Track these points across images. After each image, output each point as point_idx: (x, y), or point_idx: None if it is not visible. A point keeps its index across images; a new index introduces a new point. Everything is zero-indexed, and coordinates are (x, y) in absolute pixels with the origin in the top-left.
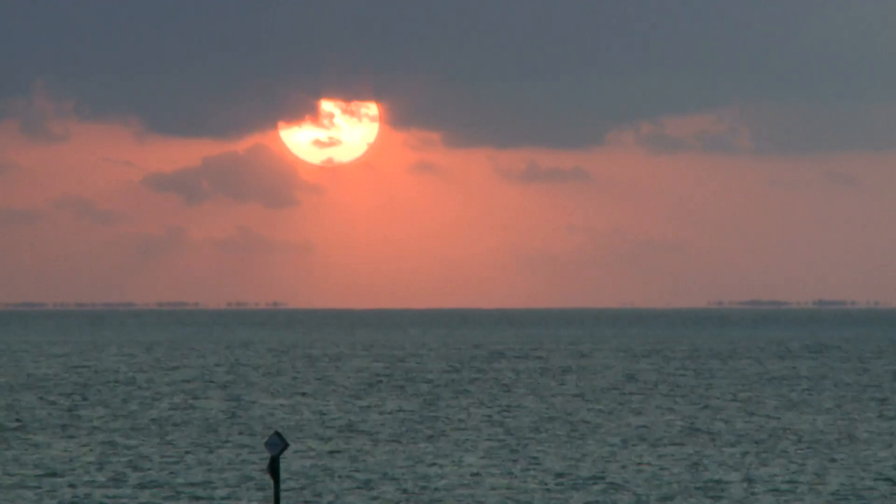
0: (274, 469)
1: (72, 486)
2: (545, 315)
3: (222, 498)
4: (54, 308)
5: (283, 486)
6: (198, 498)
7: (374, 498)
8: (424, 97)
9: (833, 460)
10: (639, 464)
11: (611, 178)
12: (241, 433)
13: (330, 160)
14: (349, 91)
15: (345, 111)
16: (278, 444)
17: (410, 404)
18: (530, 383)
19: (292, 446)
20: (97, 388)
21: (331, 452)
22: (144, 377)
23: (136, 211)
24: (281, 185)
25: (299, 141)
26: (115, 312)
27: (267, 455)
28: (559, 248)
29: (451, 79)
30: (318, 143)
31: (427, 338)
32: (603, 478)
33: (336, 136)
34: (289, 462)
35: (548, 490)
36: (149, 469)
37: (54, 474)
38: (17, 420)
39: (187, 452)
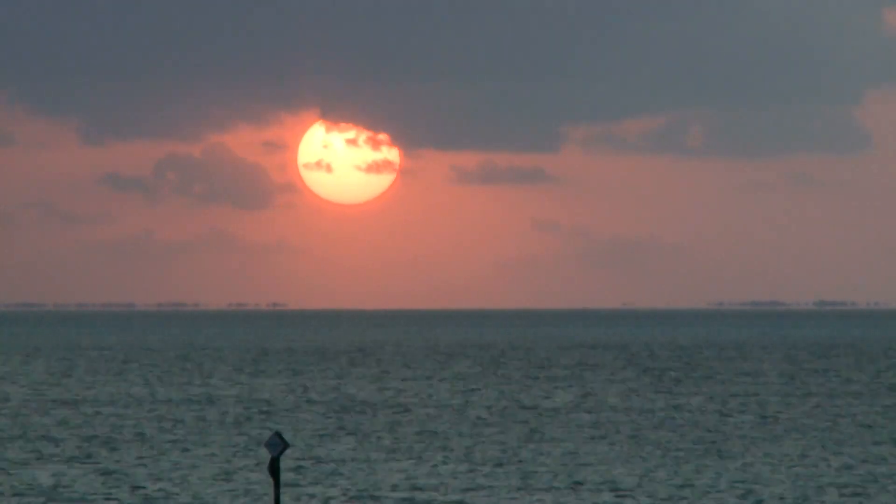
0: (274, 470)
1: (65, 486)
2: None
3: (222, 499)
4: (55, 308)
5: (283, 486)
6: (197, 499)
7: (375, 498)
8: (382, 101)
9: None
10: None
11: (572, 179)
12: (240, 433)
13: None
14: (302, 94)
15: (296, 114)
16: (279, 444)
17: (410, 404)
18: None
19: (292, 446)
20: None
21: (331, 452)
22: None
23: (105, 212)
24: (246, 187)
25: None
26: (113, 314)
27: (267, 455)
28: (536, 249)
29: (403, 81)
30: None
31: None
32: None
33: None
34: (289, 462)
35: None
36: (147, 469)
37: (48, 476)
38: None
39: (185, 452)
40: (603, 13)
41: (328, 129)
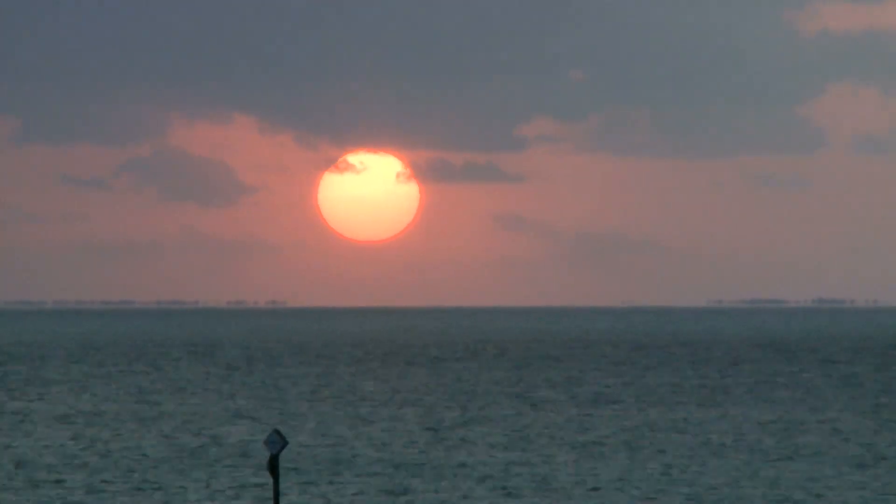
0: (273, 467)
1: (60, 482)
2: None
3: (222, 497)
4: (54, 306)
5: (282, 484)
6: (197, 497)
7: (375, 497)
8: (330, 102)
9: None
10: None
11: (533, 177)
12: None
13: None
14: (250, 96)
15: (247, 116)
16: (278, 442)
17: (409, 403)
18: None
19: (291, 444)
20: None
21: (331, 452)
22: None
23: (75, 212)
24: (212, 185)
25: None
26: (113, 312)
27: (266, 453)
28: (529, 248)
29: (356, 80)
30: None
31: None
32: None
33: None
34: (288, 460)
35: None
36: (146, 467)
37: (45, 471)
38: None
39: (185, 450)
40: (565, 11)
41: (289, 134)
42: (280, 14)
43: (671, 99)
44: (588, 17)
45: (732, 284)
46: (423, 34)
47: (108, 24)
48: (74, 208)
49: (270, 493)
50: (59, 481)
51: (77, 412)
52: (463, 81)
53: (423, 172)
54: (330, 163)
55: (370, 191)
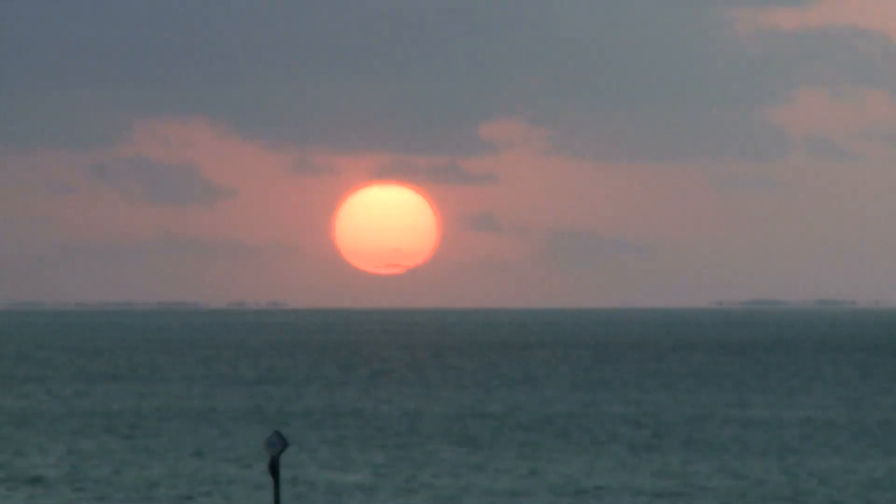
0: (274, 469)
1: (65, 481)
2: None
3: (222, 497)
4: (53, 307)
5: (282, 485)
6: (197, 498)
7: (374, 497)
8: (295, 105)
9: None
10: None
11: (507, 179)
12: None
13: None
14: (215, 100)
15: (214, 121)
16: (278, 443)
17: (407, 403)
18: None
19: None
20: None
21: (330, 451)
22: None
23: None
24: (184, 189)
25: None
26: (112, 312)
27: (267, 454)
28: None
29: (319, 81)
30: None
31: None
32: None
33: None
34: (288, 461)
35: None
36: (146, 466)
37: (47, 470)
38: None
39: (185, 450)
40: (531, 14)
41: (247, 139)
42: (246, 18)
43: (639, 102)
44: (555, 21)
45: (729, 285)
46: (391, 37)
47: (75, 28)
48: (54, 211)
49: (271, 494)
50: (62, 483)
51: (67, 409)
52: (427, 83)
53: (388, 175)
54: (299, 165)
55: (384, 215)
